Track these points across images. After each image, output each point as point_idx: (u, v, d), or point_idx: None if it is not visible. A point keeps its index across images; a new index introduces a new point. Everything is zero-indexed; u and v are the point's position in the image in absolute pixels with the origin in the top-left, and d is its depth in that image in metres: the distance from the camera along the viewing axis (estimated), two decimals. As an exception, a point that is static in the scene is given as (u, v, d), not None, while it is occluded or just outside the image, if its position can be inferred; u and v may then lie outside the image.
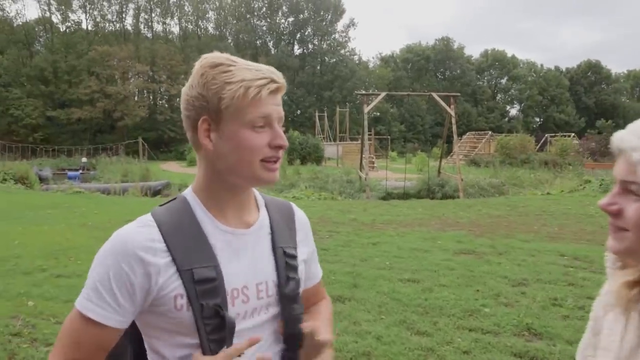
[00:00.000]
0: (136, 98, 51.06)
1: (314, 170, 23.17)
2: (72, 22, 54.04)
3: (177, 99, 53.52)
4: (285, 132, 1.03)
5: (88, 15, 55.37)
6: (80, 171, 27.86)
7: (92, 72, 47.20)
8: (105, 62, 47.00)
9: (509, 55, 70.86)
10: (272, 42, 65.81)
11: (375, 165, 29.37)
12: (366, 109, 18.77)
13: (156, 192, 18.04)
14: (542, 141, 39.56)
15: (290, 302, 1.06)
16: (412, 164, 27.57)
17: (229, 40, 61.99)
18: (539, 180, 21.01)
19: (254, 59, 54.45)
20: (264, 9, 63.66)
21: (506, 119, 69.86)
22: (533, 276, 5.72)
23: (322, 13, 63.95)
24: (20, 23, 52.21)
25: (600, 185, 15.99)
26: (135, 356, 1.07)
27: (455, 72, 69.22)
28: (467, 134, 43.67)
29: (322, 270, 1.27)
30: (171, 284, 0.93)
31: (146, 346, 1.02)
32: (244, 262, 1.01)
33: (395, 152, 44.24)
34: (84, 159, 31.96)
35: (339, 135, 43.84)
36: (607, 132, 38.69)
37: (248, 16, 62.91)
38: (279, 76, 0.97)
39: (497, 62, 70.52)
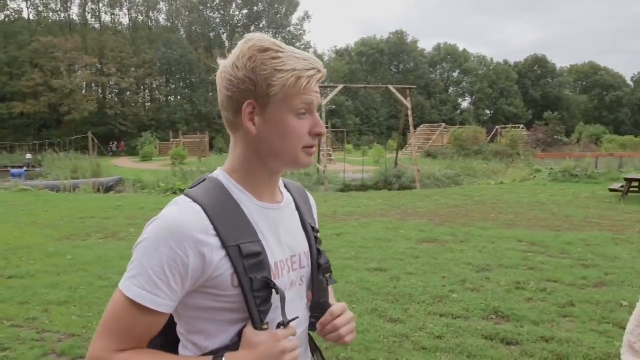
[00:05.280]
0: (84, 92, 49.10)
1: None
2: (12, 11, 51.33)
3: (128, 93, 51.99)
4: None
5: (29, 3, 52.73)
6: (25, 168, 26.58)
7: (36, 64, 45.12)
8: (50, 54, 44.96)
9: (461, 49, 72.63)
10: (225, 34, 64.76)
11: (332, 158, 29.47)
12: (324, 102, 18.75)
13: (109, 189, 17.46)
14: (493, 133, 40.74)
15: (324, 273, 1.13)
16: (369, 156, 27.83)
17: (182, 32, 60.58)
18: (492, 171, 21.67)
19: (208, 51, 52.83)
20: (217, 0, 62.52)
21: (458, 111, 71.58)
22: (495, 262, 5.87)
23: (276, 6, 63.43)
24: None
25: (550, 174, 16.63)
26: (163, 344, 1.03)
27: (409, 65, 70.29)
28: (422, 126, 44.47)
29: None
30: (226, 263, 0.93)
31: (182, 330, 1.02)
32: (283, 235, 1.05)
33: (351, 145, 44.52)
34: (29, 156, 30.57)
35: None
36: (553, 123, 40.35)
37: (201, 8, 61.60)
38: (322, 65, 1.00)
39: (449, 55, 72.09)
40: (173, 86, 57.25)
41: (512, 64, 74.94)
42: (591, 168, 16.81)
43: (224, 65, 0.99)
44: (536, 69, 73.85)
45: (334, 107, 57.73)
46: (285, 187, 1.16)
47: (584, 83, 76.22)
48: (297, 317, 1.00)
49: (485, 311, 4.18)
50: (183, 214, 0.92)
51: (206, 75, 55.27)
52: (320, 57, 69.26)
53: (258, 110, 0.97)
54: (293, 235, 1.08)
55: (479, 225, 8.39)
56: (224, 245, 0.92)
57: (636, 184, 11.79)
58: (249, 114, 0.97)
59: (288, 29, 64.72)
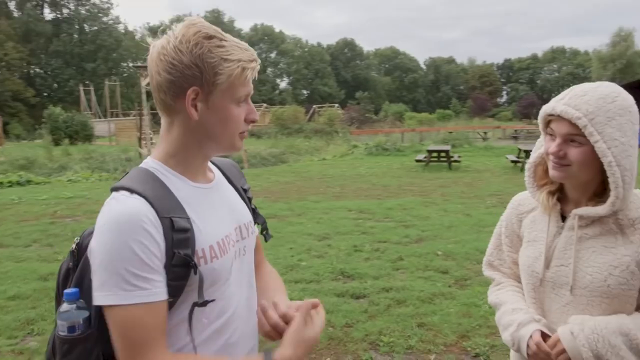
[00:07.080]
0: None
1: (86, 150, 21.16)
2: None
3: None
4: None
5: None
6: None
7: None
8: None
9: (277, 30, 74.50)
10: (14, 2, 56.29)
11: (154, 141, 28.10)
12: (144, 82, 17.76)
13: None
14: (311, 112, 42.93)
15: (261, 231, 1.27)
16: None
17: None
18: (314, 148, 22.99)
19: (-6, 23, 44.65)
20: (1, -38, 53.87)
21: (277, 91, 73.67)
22: (332, 230, 6.44)
23: (77, -26, 57.18)
24: None
25: (365, 149, 18.37)
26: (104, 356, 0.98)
27: (226, 46, 69.73)
28: (244, 106, 44.72)
29: None
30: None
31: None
32: (227, 210, 1.11)
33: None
34: None
35: (110, 111, 40.44)
36: (364, 102, 44.22)
37: (-21, -31, 52.43)
38: (256, 54, 1.04)
39: (266, 36, 73.51)
40: (-52, 62, 48.04)
41: (325, 46, 79.50)
42: (399, 142, 19.06)
43: (162, 46, 0.97)
44: (346, 52, 79.53)
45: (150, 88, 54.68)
46: (213, 164, 1.19)
47: (387, 66, 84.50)
48: (214, 300, 0.99)
49: (333, 273, 4.65)
50: (131, 206, 0.92)
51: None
52: (131, 34, 64.80)
53: (201, 96, 0.97)
54: (233, 209, 1.13)
55: (311, 199, 9.00)
56: (159, 217, 0.92)
57: (435, 154, 13.76)
58: (192, 100, 0.97)
59: (92, 1, 58.92)
